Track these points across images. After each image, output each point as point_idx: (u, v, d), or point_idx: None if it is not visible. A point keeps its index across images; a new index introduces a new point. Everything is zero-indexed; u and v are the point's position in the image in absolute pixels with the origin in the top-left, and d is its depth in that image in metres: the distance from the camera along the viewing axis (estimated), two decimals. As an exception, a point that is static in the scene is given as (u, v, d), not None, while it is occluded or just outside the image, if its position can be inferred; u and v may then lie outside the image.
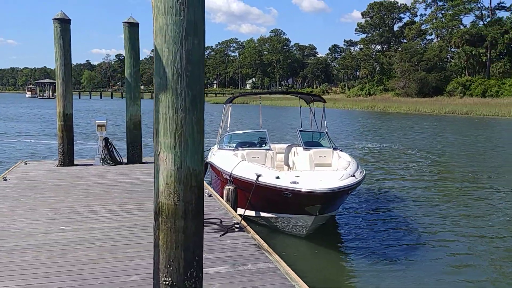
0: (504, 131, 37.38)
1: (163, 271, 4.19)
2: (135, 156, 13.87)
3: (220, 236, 6.89)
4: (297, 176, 8.10)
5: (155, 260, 4.27)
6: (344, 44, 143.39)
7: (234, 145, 11.38)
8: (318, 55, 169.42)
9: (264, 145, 10.96)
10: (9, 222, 7.63)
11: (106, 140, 13.64)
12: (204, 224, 7.58)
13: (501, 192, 13.89)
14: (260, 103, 14.15)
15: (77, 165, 13.60)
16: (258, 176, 8.38)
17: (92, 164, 13.67)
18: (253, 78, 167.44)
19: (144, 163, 14.02)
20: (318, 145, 10.86)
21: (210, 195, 9.42)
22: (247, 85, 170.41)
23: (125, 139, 14.48)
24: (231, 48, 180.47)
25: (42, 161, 15.22)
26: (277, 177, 8.16)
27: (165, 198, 4.14)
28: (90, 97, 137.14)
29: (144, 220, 7.69)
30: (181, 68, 4.02)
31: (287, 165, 11.27)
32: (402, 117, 55.67)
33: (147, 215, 8.04)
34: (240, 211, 9.07)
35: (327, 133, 11.19)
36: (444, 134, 33.55)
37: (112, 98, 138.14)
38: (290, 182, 7.89)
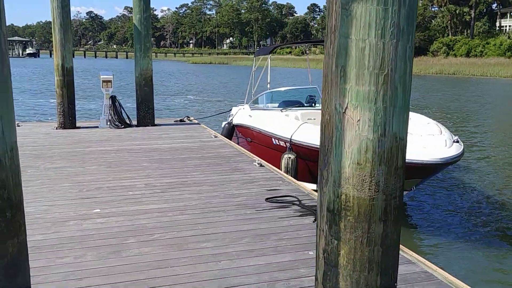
0: (502, 90, 36.38)
1: (345, 305, 2.53)
2: (147, 117, 11.99)
3: (313, 222, 5.25)
4: None
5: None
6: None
7: (277, 104, 9.65)
8: (296, 15, 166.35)
9: (317, 104, 9.26)
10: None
11: (113, 98, 11.70)
12: (280, 204, 5.97)
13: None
14: (307, 53, 12.23)
15: (79, 127, 11.68)
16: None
17: (97, 127, 11.76)
18: (231, 38, 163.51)
19: (157, 125, 12.17)
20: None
21: (261, 165, 7.73)
22: (225, 45, 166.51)
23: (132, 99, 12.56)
24: (208, 6, 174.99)
25: (37, 123, 13.22)
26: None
27: (354, 188, 2.44)
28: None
29: (199, 200, 5.98)
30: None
31: None
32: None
33: (199, 191, 6.33)
34: (306, 186, 7.50)
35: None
36: (444, 93, 32.31)
37: (85, 57, 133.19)
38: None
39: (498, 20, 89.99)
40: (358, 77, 2.34)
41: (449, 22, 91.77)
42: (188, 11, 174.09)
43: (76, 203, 5.82)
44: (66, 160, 8.10)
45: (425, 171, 6.15)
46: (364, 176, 2.42)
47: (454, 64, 71.00)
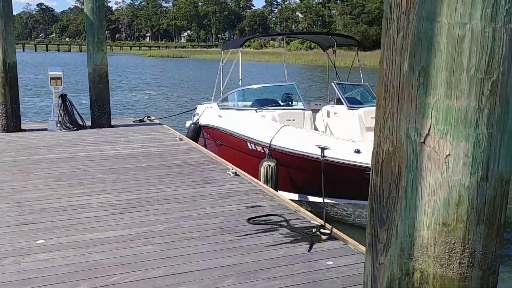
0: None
1: None
2: (102, 117, 10.81)
3: (308, 251, 4.34)
4: None
5: None
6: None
7: (249, 103, 8.72)
8: (254, 7, 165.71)
9: (294, 103, 8.37)
10: None
11: (63, 97, 10.47)
12: (264, 226, 5.04)
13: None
14: (282, 46, 11.18)
15: (25, 130, 10.40)
16: (323, 149, 5.84)
17: (45, 129, 10.50)
18: (189, 31, 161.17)
19: (114, 126, 11.01)
20: (359, 102, 8.40)
21: (236, 174, 6.78)
22: (182, 38, 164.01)
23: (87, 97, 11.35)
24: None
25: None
26: (357, 151, 5.65)
27: (436, 262, 1.53)
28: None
29: (167, 223, 4.97)
30: None
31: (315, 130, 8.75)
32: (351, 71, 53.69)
33: (166, 211, 5.32)
34: (286, 195, 6.64)
35: (368, 86, 8.74)
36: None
37: (36, 50, 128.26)
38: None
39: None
40: (450, 85, 1.43)
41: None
42: (143, 3, 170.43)
43: (15, 232, 4.72)
44: (6, 173, 6.91)
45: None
46: (454, 243, 1.52)
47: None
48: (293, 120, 7.63)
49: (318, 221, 5.02)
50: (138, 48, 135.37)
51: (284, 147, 6.43)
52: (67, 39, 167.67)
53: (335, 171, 5.80)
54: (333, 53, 10.11)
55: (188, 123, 11.58)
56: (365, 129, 7.68)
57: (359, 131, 7.62)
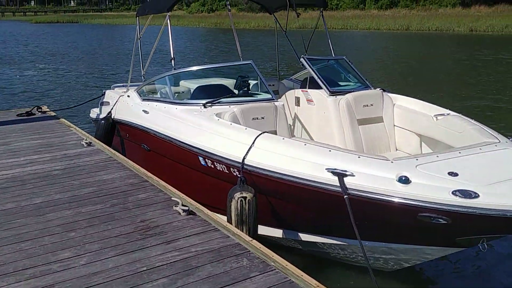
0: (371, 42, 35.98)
1: None
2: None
3: None
4: (454, 174, 3.47)
5: None
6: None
7: (188, 91, 6.22)
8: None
9: (253, 89, 5.99)
10: None
11: None
12: None
13: None
14: (229, 10, 8.40)
15: None
16: (342, 176, 3.59)
17: None
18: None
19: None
20: (339, 84, 6.17)
21: (190, 212, 4.34)
22: (72, 1, 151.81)
23: None
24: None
25: None
26: (404, 180, 3.44)
27: None
28: None
29: None
30: None
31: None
32: (260, 33, 51.50)
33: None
34: (265, 230, 4.43)
35: (346, 59, 6.50)
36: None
37: None
38: (455, 193, 3.28)
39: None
40: None
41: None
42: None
43: None
44: None
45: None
46: None
47: (314, 17, 71.28)
48: (262, 118, 5.25)
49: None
50: (22, 14, 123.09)
51: (269, 171, 4.07)
52: None
53: (364, 212, 3.60)
54: (297, 16, 7.64)
55: (93, 113, 8.77)
56: (356, 123, 5.52)
57: (349, 126, 5.44)
